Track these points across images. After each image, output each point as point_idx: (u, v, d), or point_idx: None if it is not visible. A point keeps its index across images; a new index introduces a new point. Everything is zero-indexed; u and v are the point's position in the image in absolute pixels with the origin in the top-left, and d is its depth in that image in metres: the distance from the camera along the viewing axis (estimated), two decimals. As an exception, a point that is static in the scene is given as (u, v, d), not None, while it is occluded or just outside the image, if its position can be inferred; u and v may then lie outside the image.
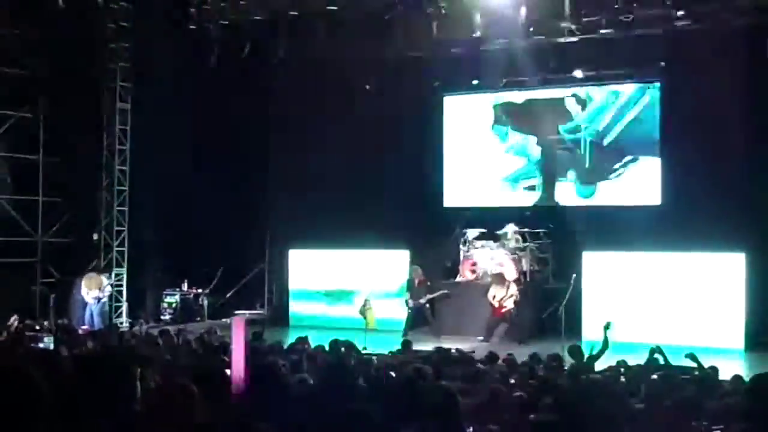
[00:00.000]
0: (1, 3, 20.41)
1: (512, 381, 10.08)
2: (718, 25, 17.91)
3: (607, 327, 12.89)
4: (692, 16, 17.93)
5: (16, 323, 16.63)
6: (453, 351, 13.20)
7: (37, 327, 16.89)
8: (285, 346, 13.66)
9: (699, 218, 18.34)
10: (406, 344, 14.75)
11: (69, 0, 18.88)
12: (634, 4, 17.87)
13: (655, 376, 10.06)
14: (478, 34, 18.96)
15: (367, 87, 22.00)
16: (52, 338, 12.84)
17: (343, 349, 13.01)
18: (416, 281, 20.44)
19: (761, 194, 18.84)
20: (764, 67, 17.92)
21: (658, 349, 11.73)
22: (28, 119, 21.50)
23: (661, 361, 11.45)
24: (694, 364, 11.18)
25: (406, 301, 20.43)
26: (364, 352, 14.61)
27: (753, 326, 18.22)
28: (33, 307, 20.62)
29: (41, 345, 12.30)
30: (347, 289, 22.28)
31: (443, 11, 18.34)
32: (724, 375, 11.14)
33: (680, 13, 17.80)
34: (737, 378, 10.52)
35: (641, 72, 20.96)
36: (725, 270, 18.63)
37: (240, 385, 7.17)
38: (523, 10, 17.73)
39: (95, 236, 22.29)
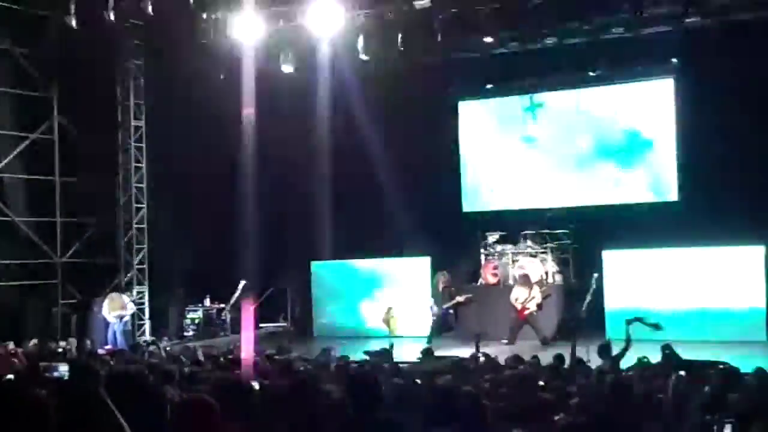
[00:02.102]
0: (16, 25, 20.51)
1: (540, 383, 10.01)
2: (729, 20, 17.89)
3: (628, 324, 12.86)
4: (702, 13, 17.88)
5: (32, 349, 16.59)
6: (478, 355, 13.18)
7: (59, 350, 16.85)
8: (310, 358, 13.64)
9: (717, 213, 18.27)
10: (428, 352, 14.71)
11: (83, 20, 18.93)
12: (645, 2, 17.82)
13: (682, 373, 10.00)
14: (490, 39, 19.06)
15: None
16: (67, 367, 12.73)
17: (368, 358, 13.01)
18: (440, 287, 20.43)
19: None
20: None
21: (667, 347, 11.78)
22: (43, 140, 21.53)
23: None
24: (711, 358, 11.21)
25: (431, 308, 20.43)
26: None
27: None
28: (55, 328, 20.61)
29: (56, 374, 12.10)
30: (370, 299, 22.28)
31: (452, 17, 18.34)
32: (747, 368, 11.06)
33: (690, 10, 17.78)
34: (760, 371, 10.45)
35: (655, 70, 20.90)
36: (745, 263, 18.64)
37: (249, 371, 7.05)
38: None
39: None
